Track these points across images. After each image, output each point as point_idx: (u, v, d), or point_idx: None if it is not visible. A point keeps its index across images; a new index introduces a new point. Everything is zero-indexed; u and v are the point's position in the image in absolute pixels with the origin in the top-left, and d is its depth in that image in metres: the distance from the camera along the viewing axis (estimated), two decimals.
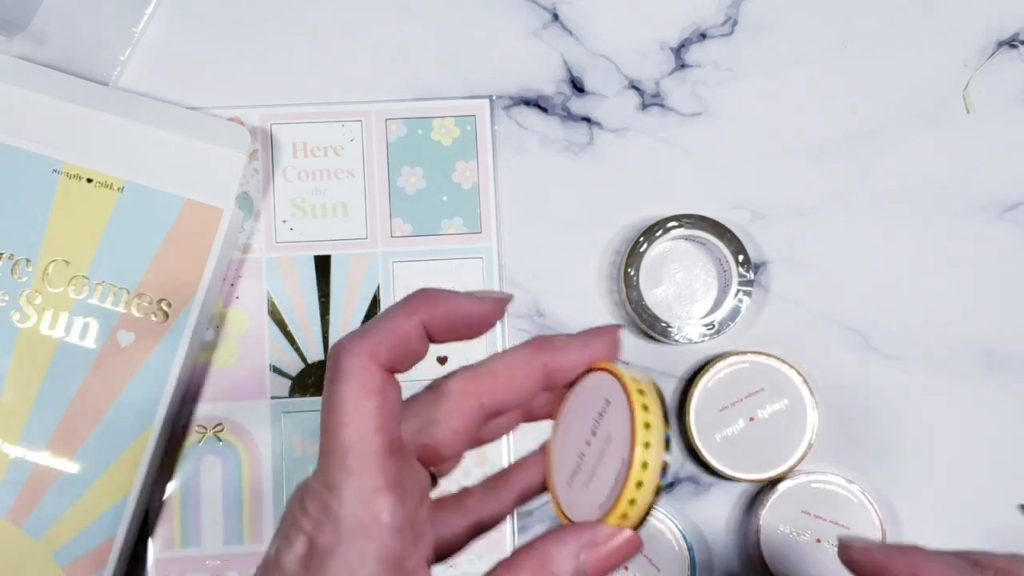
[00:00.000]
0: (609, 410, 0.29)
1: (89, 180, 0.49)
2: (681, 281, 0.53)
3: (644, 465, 0.28)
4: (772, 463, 0.51)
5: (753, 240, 0.53)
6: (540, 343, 0.31)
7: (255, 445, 0.51)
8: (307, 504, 0.28)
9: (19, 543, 0.47)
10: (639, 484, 0.28)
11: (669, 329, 0.51)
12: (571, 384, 0.31)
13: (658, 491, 0.28)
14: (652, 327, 0.51)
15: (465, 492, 0.33)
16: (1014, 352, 0.54)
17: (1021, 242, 0.54)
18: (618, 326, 0.32)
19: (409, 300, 0.30)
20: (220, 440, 0.51)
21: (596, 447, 0.30)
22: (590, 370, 0.31)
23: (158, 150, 0.50)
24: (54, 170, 0.49)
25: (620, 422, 0.28)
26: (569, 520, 0.30)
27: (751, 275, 0.51)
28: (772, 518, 0.50)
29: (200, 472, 0.51)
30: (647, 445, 0.28)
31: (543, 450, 0.33)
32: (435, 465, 0.31)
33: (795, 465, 0.51)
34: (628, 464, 0.28)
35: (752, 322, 0.53)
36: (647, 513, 0.28)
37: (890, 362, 0.53)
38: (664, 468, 0.28)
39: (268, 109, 0.53)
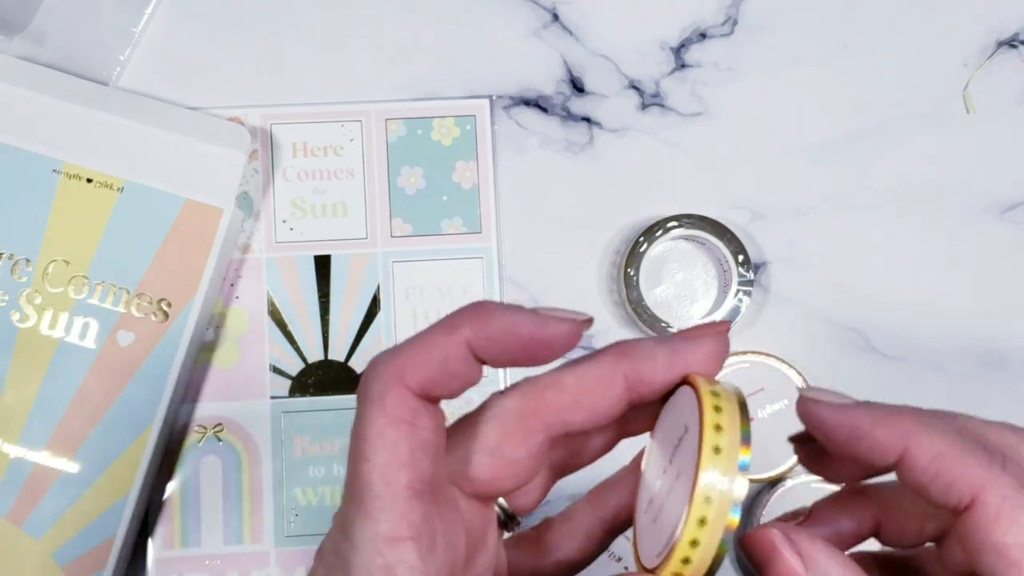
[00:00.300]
0: (686, 438, 0.24)
1: (89, 180, 0.49)
2: (681, 281, 0.53)
3: (702, 522, 0.23)
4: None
5: (753, 240, 0.53)
6: (620, 350, 0.25)
7: (255, 445, 0.51)
8: (324, 546, 0.25)
9: (19, 543, 0.47)
10: (694, 543, 0.23)
11: (669, 329, 0.51)
12: (666, 397, 0.26)
13: (721, 551, 0.23)
14: (652, 327, 0.51)
15: (546, 523, 0.29)
16: (1014, 352, 0.54)
17: (1021, 242, 0.54)
18: (724, 325, 0.26)
19: (454, 314, 0.25)
20: (220, 440, 0.51)
21: (668, 479, 0.25)
22: (682, 382, 0.26)
23: (158, 150, 0.50)
24: (54, 170, 0.49)
25: (691, 457, 0.24)
26: (638, 561, 0.25)
27: (751, 275, 0.51)
28: (772, 518, 0.50)
29: (200, 472, 0.51)
30: (708, 500, 0.23)
31: (635, 465, 0.28)
32: (491, 500, 0.26)
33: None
34: (686, 516, 0.23)
35: (752, 322, 0.53)
36: (712, 569, 0.23)
37: (890, 362, 0.53)
38: (738, 504, 0.23)
39: (268, 109, 0.53)
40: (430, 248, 0.53)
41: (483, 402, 0.26)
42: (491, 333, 0.24)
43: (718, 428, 0.23)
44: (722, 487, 0.23)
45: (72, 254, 0.49)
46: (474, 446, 0.25)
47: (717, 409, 0.24)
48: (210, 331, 0.52)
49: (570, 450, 0.28)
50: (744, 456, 0.23)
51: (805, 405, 0.27)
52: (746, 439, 0.23)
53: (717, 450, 0.23)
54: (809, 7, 0.54)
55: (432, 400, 0.25)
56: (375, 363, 0.24)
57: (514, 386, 0.26)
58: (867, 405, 0.26)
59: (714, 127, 0.54)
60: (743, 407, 0.24)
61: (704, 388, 0.24)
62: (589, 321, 0.25)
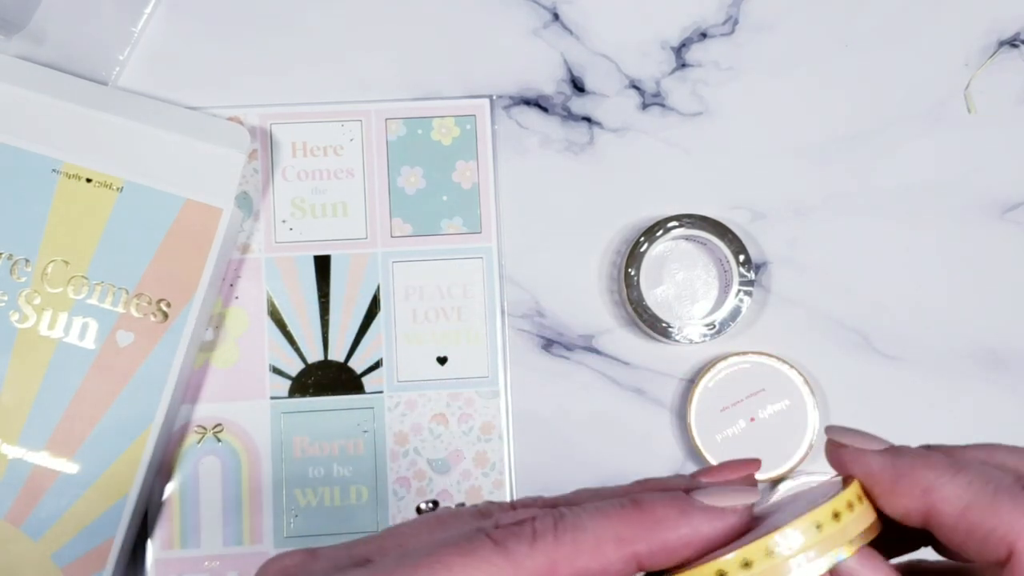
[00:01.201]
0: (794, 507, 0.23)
1: (88, 180, 0.49)
2: (682, 281, 0.53)
3: (746, 564, 0.21)
4: (772, 463, 0.51)
5: (754, 240, 0.53)
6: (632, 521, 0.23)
7: (254, 446, 0.51)
8: None
9: (18, 544, 0.47)
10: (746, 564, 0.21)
11: (670, 329, 0.51)
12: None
13: None
14: (652, 327, 0.51)
15: None
16: (1015, 352, 0.54)
17: (1021, 242, 0.54)
18: (753, 465, 0.24)
19: (624, 520, 0.22)
20: (219, 440, 0.51)
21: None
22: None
23: (157, 150, 0.50)
24: (53, 170, 0.49)
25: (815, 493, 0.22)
26: None
27: (752, 275, 0.51)
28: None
29: (199, 473, 0.51)
30: (771, 554, 0.21)
31: None
32: None
33: (796, 465, 0.51)
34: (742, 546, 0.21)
35: (753, 322, 0.53)
36: None
37: (890, 362, 0.53)
38: None
39: (267, 109, 0.53)
40: (430, 248, 0.53)
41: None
42: (668, 545, 0.22)
43: (836, 516, 0.21)
44: (799, 556, 0.21)
45: (71, 254, 0.49)
46: None
47: (850, 506, 0.22)
48: (209, 331, 0.52)
49: None
50: (842, 553, 0.21)
51: (833, 449, 0.25)
52: (852, 545, 0.21)
53: (819, 527, 0.21)
54: (809, 7, 0.54)
55: None
56: (535, 530, 0.22)
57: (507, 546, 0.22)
58: (892, 453, 0.23)
59: (714, 127, 0.54)
60: (873, 529, 0.22)
61: (857, 486, 0.22)
62: (751, 505, 0.23)
